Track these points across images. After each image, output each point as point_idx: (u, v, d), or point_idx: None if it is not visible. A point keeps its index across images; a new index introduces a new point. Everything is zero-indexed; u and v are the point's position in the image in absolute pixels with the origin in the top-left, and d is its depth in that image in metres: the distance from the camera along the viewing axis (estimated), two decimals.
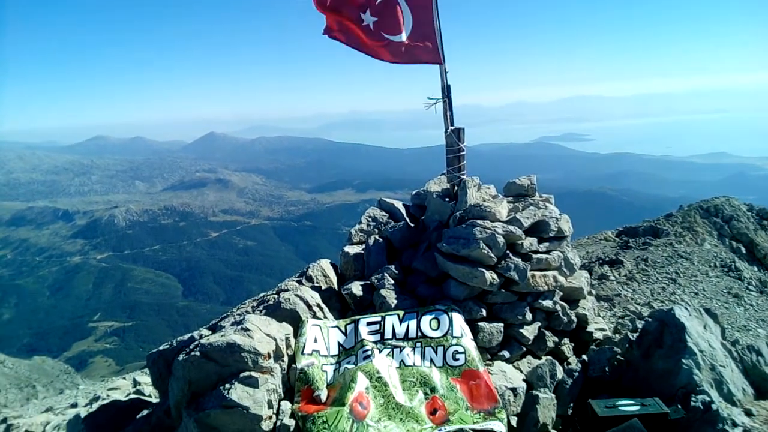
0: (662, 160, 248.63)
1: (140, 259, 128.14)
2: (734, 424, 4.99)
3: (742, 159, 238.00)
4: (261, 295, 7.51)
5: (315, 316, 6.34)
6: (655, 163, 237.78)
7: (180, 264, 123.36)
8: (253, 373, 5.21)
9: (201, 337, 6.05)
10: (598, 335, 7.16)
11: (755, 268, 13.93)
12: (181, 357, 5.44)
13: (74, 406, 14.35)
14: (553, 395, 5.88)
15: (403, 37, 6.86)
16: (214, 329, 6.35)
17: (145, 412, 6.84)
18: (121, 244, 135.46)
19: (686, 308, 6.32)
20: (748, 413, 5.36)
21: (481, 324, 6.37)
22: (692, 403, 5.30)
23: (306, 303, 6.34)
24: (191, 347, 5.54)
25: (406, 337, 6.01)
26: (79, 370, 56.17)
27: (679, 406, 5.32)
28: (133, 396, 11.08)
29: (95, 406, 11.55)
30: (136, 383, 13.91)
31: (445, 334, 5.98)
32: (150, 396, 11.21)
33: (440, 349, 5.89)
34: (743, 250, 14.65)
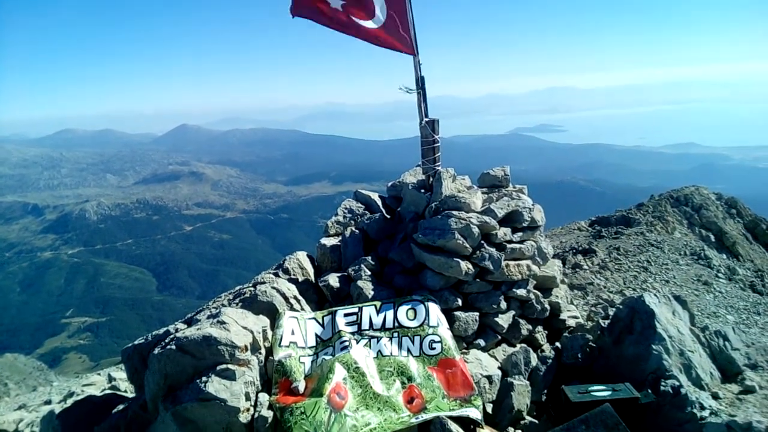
0: (633, 150, 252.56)
1: (113, 253, 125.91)
2: (702, 407, 5.16)
3: (712, 149, 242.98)
4: (237, 288, 7.48)
5: (292, 309, 6.35)
6: (627, 153, 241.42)
7: (154, 258, 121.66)
8: (230, 366, 5.21)
9: (177, 330, 6.02)
10: (571, 323, 7.30)
11: (724, 256, 14.28)
12: (156, 351, 5.41)
13: (48, 403, 14.13)
14: (528, 382, 6.00)
15: (374, 23, 6.82)
16: (190, 323, 6.31)
17: (120, 407, 6.78)
18: (93, 238, 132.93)
19: (656, 295, 6.48)
20: (715, 396, 5.54)
21: (457, 313, 6.45)
22: (662, 388, 5.45)
23: (283, 295, 6.35)
24: (167, 341, 5.52)
25: (383, 328, 6.05)
26: (53, 366, 55.32)
27: (650, 391, 5.48)
28: (108, 391, 10.97)
29: (69, 402, 11.40)
30: (111, 379, 13.74)
31: (422, 324, 6.04)
32: (125, 391, 11.10)
33: (417, 339, 5.95)
34: (712, 238, 15.00)
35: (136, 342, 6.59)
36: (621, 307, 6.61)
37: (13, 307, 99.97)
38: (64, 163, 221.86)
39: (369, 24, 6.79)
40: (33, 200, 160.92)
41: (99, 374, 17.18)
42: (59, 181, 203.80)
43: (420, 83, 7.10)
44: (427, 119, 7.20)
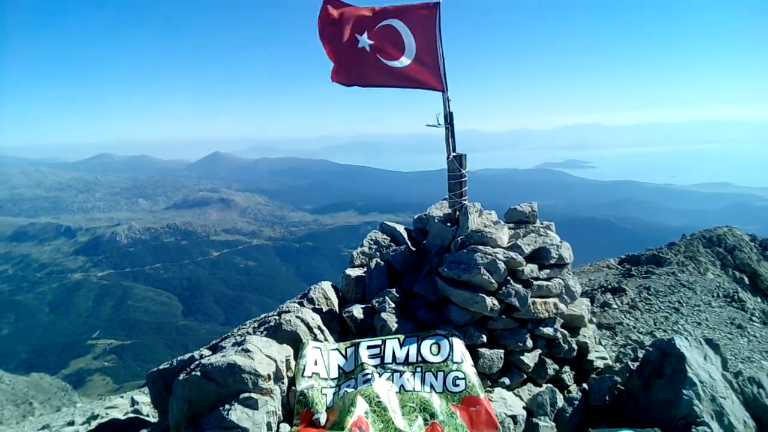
0: (664, 188, 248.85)
1: (141, 277, 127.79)
2: None
3: (744, 189, 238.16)
4: (262, 316, 7.53)
5: (316, 339, 6.35)
6: (658, 191, 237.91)
7: (181, 283, 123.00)
8: (252, 395, 5.22)
9: (201, 357, 6.06)
10: (599, 364, 7.13)
11: (759, 299, 13.90)
12: (181, 377, 5.45)
13: (71, 424, 14.21)
14: (554, 423, 5.86)
15: (403, 62, 6.96)
16: (215, 349, 6.35)
17: (144, 431, 6.80)
18: (123, 261, 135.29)
19: (687, 338, 6.31)
20: None
21: (482, 350, 6.37)
22: None
23: (307, 325, 6.36)
24: (192, 367, 5.55)
25: (406, 362, 6.00)
26: (77, 387, 55.75)
27: None
28: (131, 415, 11.01)
29: (93, 424, 11.46)
30: (134, 402, 13.80)
31: (446, 360, 5.97)
32: (148, 415, 11.12)
33: (440, 375, 5.88)
34: (746, 280, 14.64)
35: (161, 366, 6.64)
36: (651, 349, 6.44)
37: (41, 327, 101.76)
38: (99, 187, 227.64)
39: (397, 63, 6.93)
40: (66, 222, 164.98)
41: (122, 397, 17.28)
42: (93, 204, 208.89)
43: (448, 119, 7.17)
44: (454, 154, 7.24)
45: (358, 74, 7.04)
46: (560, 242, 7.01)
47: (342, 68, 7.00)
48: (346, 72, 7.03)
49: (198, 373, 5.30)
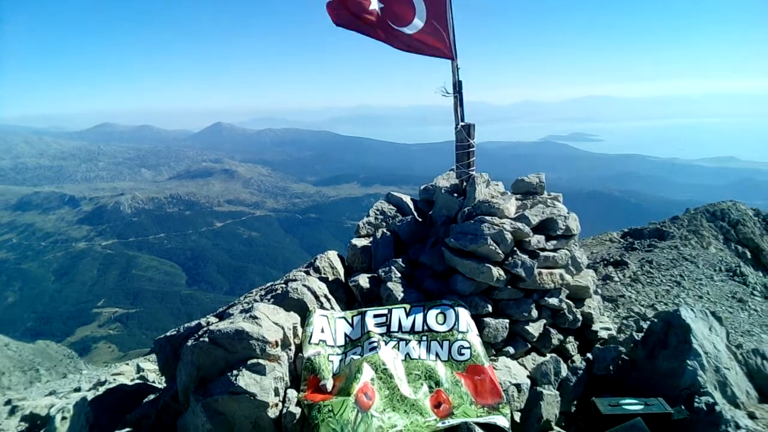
0: (670, 162, 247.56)
1: (145, 246, 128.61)
2: (737, 427, 5.01)
3: (750, 164, 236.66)
4: (269, 284, 7.57)
5: (322, 307, 6.39)
6: (663, 165, 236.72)
7: (184, 253, 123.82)
8: (260, 361, 5.27)
9: (209, 324, 6.12)
10: (603, 334, 7.18)
11: (760, 274, 13.90)
12: (189, 342, 5.51)
13: (78, 390, 14.45)
14: (557, 392, 5.92)
15: (413, 28, 6.83)
16: (222, 317, 6.41)
17: (151, 396, 6.92)
18: (127, 231, 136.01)
19: (692, 309, 6.33)
20: (752, 416, 5.38)
21: (487, 320, 6.40)
22: (696, 405, 5.32)
23: (313, 293, 6.40)
24: (199, 333, 5.60)
25: (412, 331, 6.05)
26: (83, 355, 56.61)
27: (683, 407, 5.35)
28: (138, 381, 11.18)
29: (100, 390, 11.66)
30: (139, 369, 14.02)
31: (451, 329, 6.01)
32: (154, 382, 11.31)
33: (446, 344, 5.93)
34: (749, 255, 14.62)
35: (168, 333, 6.71)
36: (656, 320, 6.47)
37: (47, 295, 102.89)
38: (102, 157, 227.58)
39: (407, 29, 6.80)
40: (70, 191, 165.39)
41: (127, 364, 17.54)
42: (96, 173, 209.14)
43: (457, 87, 7.09)
44: (462, 123, 7.17)
45: (365, 30, 6.86)
46: (567, 213, 6.99)
47: (349, 19, 6.78)
48: (354, 24, 6.80)
49: (206, 339, 5.35)
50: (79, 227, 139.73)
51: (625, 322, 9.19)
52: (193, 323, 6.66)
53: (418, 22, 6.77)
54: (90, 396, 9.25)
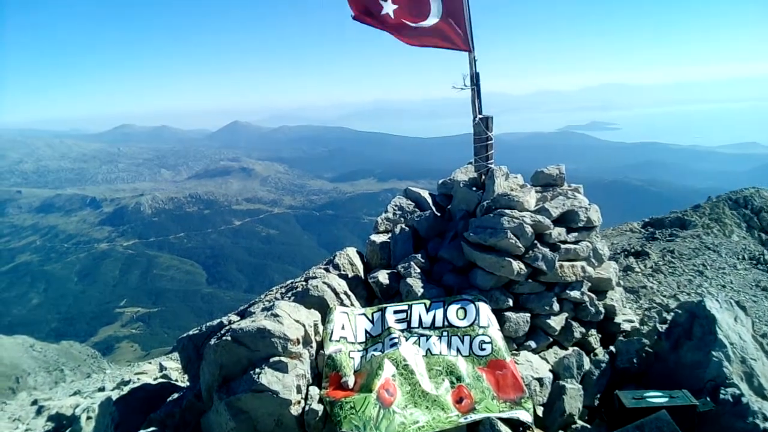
0: (690, 149, 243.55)
1: (165, 246, 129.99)
2: (765, 418, 4.94)
3: None
4: (289, 282, 7.60)
5: (342, 304, 6.41)
6: (683, 153, 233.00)
7: (204, 251, 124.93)
8: (282, 358, 5.30)
9: (230, 322, 6.17)
10: (626, 327, 7.10)
11: None
12: (212, 341, 5.55)
13: (102, 389, 14.69)
14: (580, 386, 5.87)
15: (430, 22, 6.77)
16: (243, 315, 6.45)
17: (175, 395, 6.99)
18: (147, 231, 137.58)
19: (717, 300, 6.24)
20: None
21: (508, 314, 6.37)
22: (721, 396, 5.25)
23: (333, 290, 6.41)
24: (222, 332, 5.65)
25: (432, 326, 6.04)
26: (106, 354, 57.47)
27: (708, 399, 5.28)
28: (161, 380, 11.32)
29: (124, 390, 11.82)
30: (162, 368, 14.18)
31: (472, 324, 5.99)
32: (177, 381, 11.43)
33: (467, 339, 5.91)
34: None
35: (190, 332, 6.77)
36: (680, 311, 6.39)
37: (70, 295, 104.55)
38: (122, 158, 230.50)
39: (424, 23, 6.74)
40: (91, 193, 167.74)
41: (150, 363, 17.78)
42: (116, 175, 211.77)
43: (475, 79, 7.03)
44: (480, 116, 7.12)
45: (385, 27, 6.80)
46: (589, 205, 6.92)
47: (366, 15, 6.72)
48: (372, 20, 6.75)
49: (228, 338, 5.39)
50: (100, 228, 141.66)
51: (647, 313, 9.08)
52: (215, 322, 6.71)
53: (434, 16, 6.72)
54: (115, 395, 9.40)
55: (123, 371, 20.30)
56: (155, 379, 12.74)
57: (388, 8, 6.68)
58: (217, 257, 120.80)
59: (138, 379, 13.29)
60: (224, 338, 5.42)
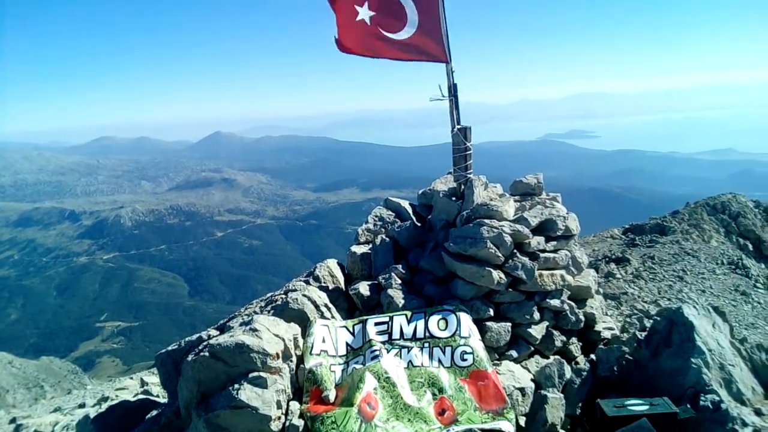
0: (668, 156, 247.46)
1: (146, 258, 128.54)
2: (744, 424, 4.98)
3: (749, 155, 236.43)
4: (269, 295, 7.53)
5: (323, 316, 6.35)
6: (662, 160, 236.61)
7: (186, 264, 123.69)
8: (261, 374, 5.23)
9: (209, 337, 6.08)
10: (606, 334, 7.13)
11: (763, 266, 13.86)
12: (190, 357, 5.46)
13: (82, 406, 14.39)
14: (562, 395, 5.87)
15: (406, 34, 6.79)
16: (222, 329, 6.37)
17: (154, 412, 6.88)
18: (128, 244, 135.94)
19: (694, 307, 6.30)
20: (758, 413, 5.34)
21: (489, 323, 6.36)
22: (701, 403, 5.28)
23: (314, 303, 6.36)
24: (200, 347, 5.56)
25: (414, 338, 6.01)
26: (87, 370, 56.43)
27: (688, 406, 5.31)
28: (141, 396, 11.13)
29: (104, 406, 11.60)
30: (143, 383, 13.95)
31: (453, 335, 5.97)
32: (158, 396, 11.24)
33: (448, 350, 5.88)
34: (750, 247, 14.59)
35: (169, 348, 6.66)
36: (659, 318, 6.45)
37: (49, 310, 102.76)
38: (101, 170, 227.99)
39: (399, 35, 6.76)
40: (70, 206, 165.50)
41: (132, 378, 17.49)
42: (96, 187, 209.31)
43: (452, 90, 7.06)
44: (459, 127, 7.15)
45: (361, 45, 6.83)
46: (567, 214, 6.96)
47: (344, 38, 6.76)
48: (349, 42, 6.80)
49: (206, 354, 5.31)
50: (80, 242, 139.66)
51: (628, 320, 9.14)
52: (194, 337, 6.61)
53: (410, 28, 6.74)
54: (93, 413, 9.22)
55: (104, 387, 19.93)
56: (135, 395, 12.53)
57: (364, 14, 6.66)
58: (199, 269, 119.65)
59: (117, 396, 13.06)
60: (202, 354, 5.33)
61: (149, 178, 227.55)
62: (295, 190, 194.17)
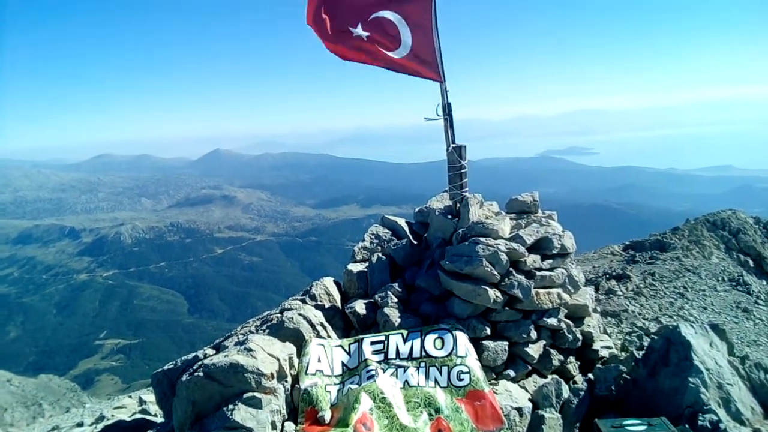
0: (667, 173, 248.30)
1: (146, 276, 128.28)
2: None
3: (748, 171, 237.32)
4: (264, 314, 7.49)
5: (318, 336, 6.32)
6: (660, 176, 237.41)
7: (186, 281, 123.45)
8: (256, 394, 5.19)
9: (205, 356, 6.04)
10: (604, 353, 7.09)
11: (764, 282, 13.84)
12: (184, 377, 5.42)
13: (80, 425, 14.28)
14: (559, 415, 5.83)
15: (399, 53, 6.86)
16: (218, 349, 6.33)
17: None
18: (128, 261, 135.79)
19: (692, 326, 6.27)
20: None
21: (486, 342, 6.33)
22: (700, 423, 5.24)
23: (309, 322, 6.32)
24: (195, 367, 5.53)
25: (410, 357, 5.96)
26: (86, 388, 56.04)
27: (687, 426, 5.27)
28: (138, 415, 11.04)
29: (100, 426, 11.50)
30: (142, 402, 13.86)
31: (450, 354, 5.93)
32: (156, 415, 11.16)
33: (444, 369, 5.84)
34: (751, 263, 14.57)
35: (165, 367, 6.62)
36: (656, 337, 6.41)
37: (48, 328, 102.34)
38: (101, 187, 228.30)
39: (394, 54, 6.84)
40: (70, 223, 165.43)
41: (130, 397, 17.36)
42: (96, 204, 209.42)
43: (447, 110, 7.09)
44: (454, 145, 7.17)
45: (357, 54, 6.94)
46: (562, 232, 6.95)
47: (339, 47, 6.88)
48: (344, 51, 6.92)
49: (201, 374, 5.27)
50: (80, 259, 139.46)
51: (628, 338, 9.10)
52: (190, 356, 6.57)
53: (404, 47, 6.80)
54: None
55: (102, 405, 19.77)
56: (133, 414, 12.43)
57: (360, 33, 6.77)
58: (198, 286, 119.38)
59: (112, 415, 12.95)
60: (196, 374, 5.30)
61: (149, 195, 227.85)
62: (295, 207, 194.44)
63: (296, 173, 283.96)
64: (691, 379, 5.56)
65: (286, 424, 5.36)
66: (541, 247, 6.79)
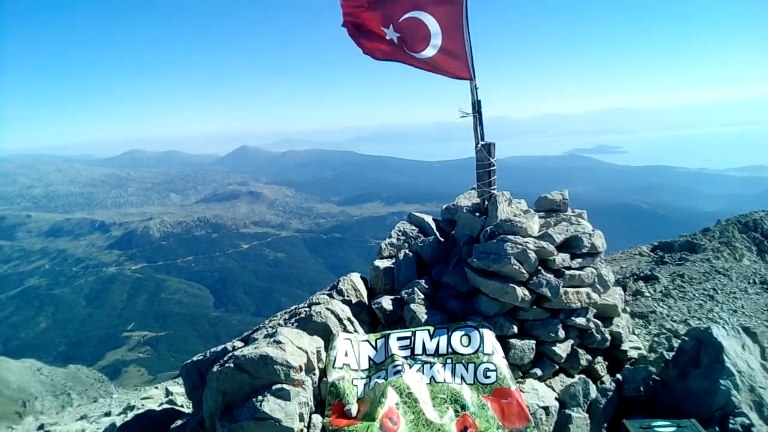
0: (698, 173, 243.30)
1: (173, 270, 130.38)
2: None
3: None
4: (292, 307, 7.58)
5: (345, 330, 6.37)
6: (691, 176, 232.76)
7: (212, 275, 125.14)
8: (285, 386, 5.26)
9: (234, 348, 6.14)
10: (633, 354, 7.01)
11: None
12: (215, 368, 5.52)
13: (108, 414, 14.62)
14: (587, 415, 5.78)
15: (430, 53, 6.89)
16: (247, 341, 6.43)
17: (178, 422, 6.94)
18: (156, 255, 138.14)
19: (724, 327, 6.16)
20: None
21: (513, 341, 6.31)
22: (731, 425, 5.16)
23: (337, 316, 6.38)
24: (225, 359, 5.62)
25: (436, 353, 5.98)
26: (113, 379, 57.29)
27: (717, 429, 5.19)
28: (166, 406, 11.25)
29: (129, 415, 11.75)
30: (168, 393, 14.12)
31: (476, 351, 5.93)
32: (182, 406, 11.37)
33: (471, 366, 5.84)
34: None
35: (195, 358, 6.75)
36: (686, 338, 6.31)
37: (78, 319, 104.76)
38: (131, 182, 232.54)
39: (424, 53, 6.88)
40: (100, 217, 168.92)
41: (157, 388, 17.70)
42: (125, 199, 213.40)
43: (476, 107, 7.07)
44: (483, 143, 7.15)
45: (387, 53, 7.04)
46: (592, 231, 6.88)
47: (372, 47, 7.03)
48: (376, 51, 7.06)
49: (231, 365, 5.37)
50: (109, 252, 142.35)
51: (656, 339, 8.97)
52: (219, 348, 6.69)
53: (434, 46, 6.82)
54: (119, 421, 9.35)
55: (129, 396, 20.20)
56: (160, 404, 12.68)
57: (392, 35, 6.86)
58: (224, 281, 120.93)
59: (142, 405, 13.22)
60: (227, 365, 5.39)
61: (177, 191, 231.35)
62: (320, 204, 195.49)
63: (321, 170, 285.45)
64: (722, 381, 5.47)
65: (313, 416, 5.43)
66: (570, 245, 6.73)
